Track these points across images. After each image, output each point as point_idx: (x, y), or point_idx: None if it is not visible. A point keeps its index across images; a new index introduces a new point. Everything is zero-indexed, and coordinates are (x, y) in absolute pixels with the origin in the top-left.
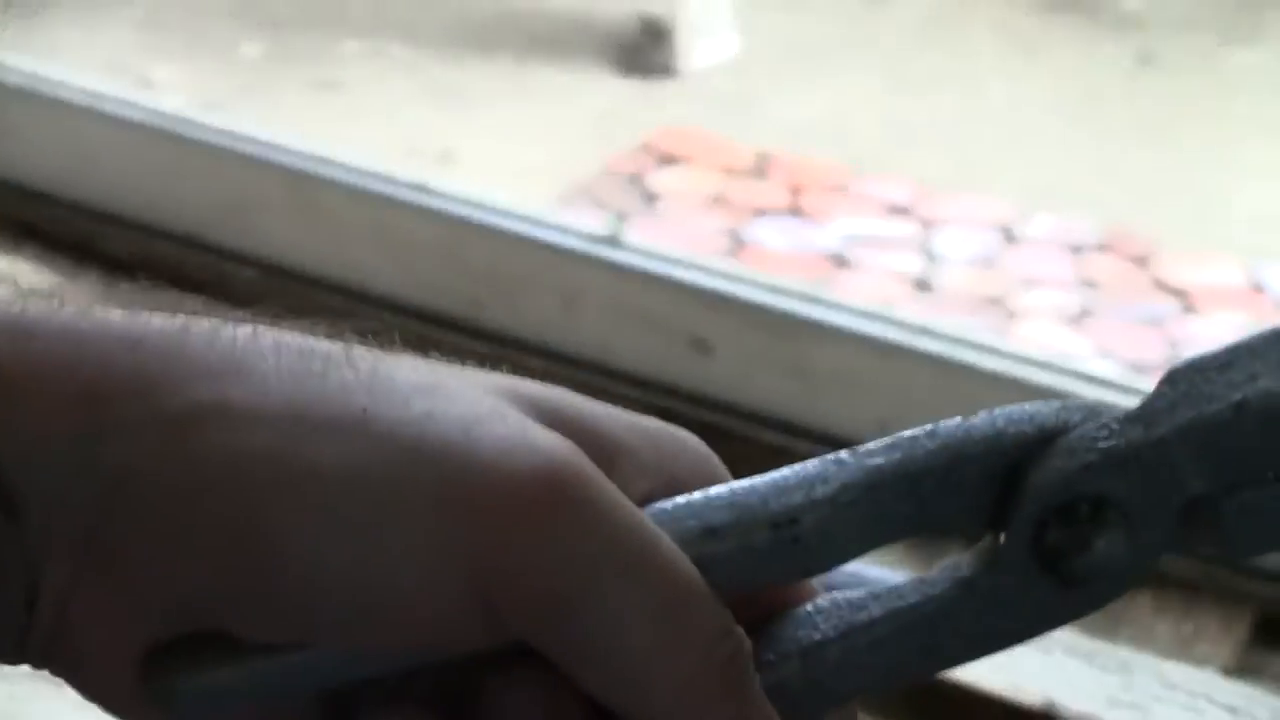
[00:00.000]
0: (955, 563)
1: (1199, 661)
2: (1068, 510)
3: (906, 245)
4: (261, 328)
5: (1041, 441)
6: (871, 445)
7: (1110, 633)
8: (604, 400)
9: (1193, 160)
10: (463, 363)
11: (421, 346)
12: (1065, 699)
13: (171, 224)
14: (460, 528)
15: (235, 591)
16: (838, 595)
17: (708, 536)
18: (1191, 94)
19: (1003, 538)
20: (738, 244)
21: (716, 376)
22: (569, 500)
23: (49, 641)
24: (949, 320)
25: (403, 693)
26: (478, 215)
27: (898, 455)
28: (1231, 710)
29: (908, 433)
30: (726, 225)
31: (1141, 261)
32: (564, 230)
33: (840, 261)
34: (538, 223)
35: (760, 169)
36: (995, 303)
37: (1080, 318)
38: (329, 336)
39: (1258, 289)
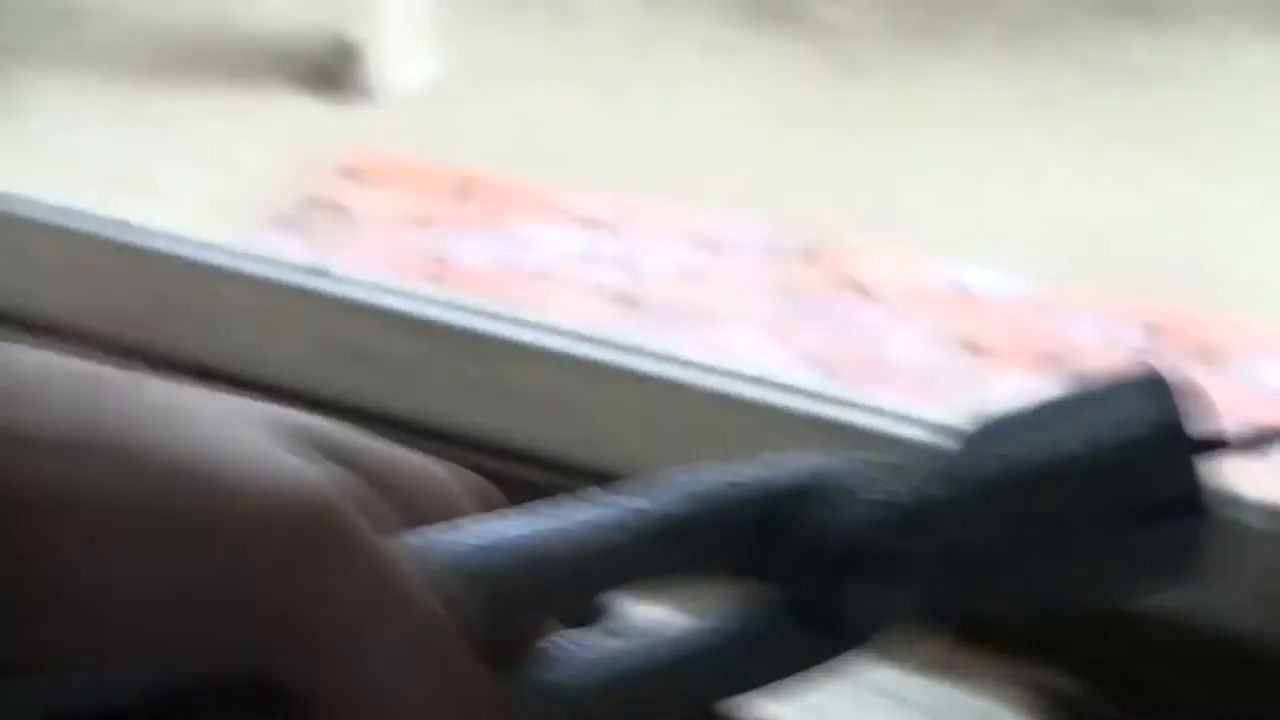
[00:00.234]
0: (718, 609)
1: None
2: (833, 561)
3: (611, 260)
4: (35, 350)
5: (810, 492)
6: (638, 489)
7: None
8: None
9: (897, 167)
10: None
11: None
12: None
13: None
14: (213, 559)
15: None
16: (593, 637)
17: (468, 577)
18: (896, 103)
19: (767, 586)
20: (440, 265)
21: (425, 402)
22: (322, 535)
23: None
24: (652, 335)
25: None
26: (168, 246)
27: (663, 503)
28: None
29: (674, 478)
30: (428, 246)
31: (845, 269)
32: (262, 259)
33: (545, 278)
34: (234, 253)
35: (462, 189)
36: (699, 315)
37: (784, 327)
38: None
39: (962, 291)
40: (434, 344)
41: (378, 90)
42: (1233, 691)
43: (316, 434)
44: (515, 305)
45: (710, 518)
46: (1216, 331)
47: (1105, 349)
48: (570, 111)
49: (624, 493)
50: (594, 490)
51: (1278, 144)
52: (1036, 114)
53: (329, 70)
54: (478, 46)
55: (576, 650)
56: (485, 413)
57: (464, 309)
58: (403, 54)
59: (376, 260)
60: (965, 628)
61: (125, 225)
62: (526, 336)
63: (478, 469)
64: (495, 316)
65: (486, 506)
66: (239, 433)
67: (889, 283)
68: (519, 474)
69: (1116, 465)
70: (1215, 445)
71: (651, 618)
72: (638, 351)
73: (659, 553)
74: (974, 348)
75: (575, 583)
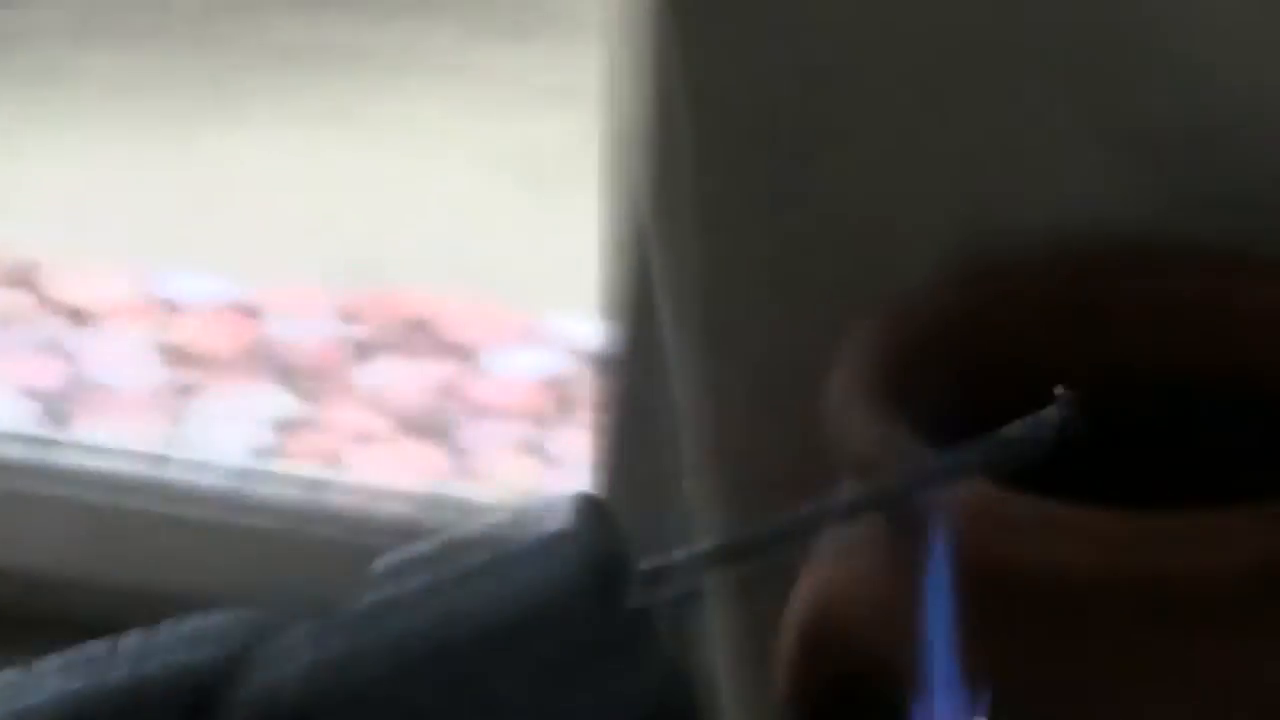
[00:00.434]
0: None
1: None
2: None
3: None
4: None
5: (231, 659)
6: (49, 664)
7: None
8: None
9: (66, 171)
10: None
11: None
12: None
13: None
14: None
15: None
16: None
17: None
18: (42, 100)
19: None
20: None
21: None
22: None
23: None
24: None
25: None
26: None
27: (82, 680)
28: None
29: (90, 654)
30: None
31: (31, 285)
32: None
33: None
34: None
35: None
36: None
37: None
38: None
39: (167, 302)
40: None
41: None
42: None
43: None
44: None
45: (137, 694)
46: (450, 323)
47: (324, 346)
48: None
49: (64, 669)
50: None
51: (472, 126)
52: (229, 109)
53: None
54: None
55: None
56: None
57: None
58: None
59: None
60: None
61: None
62: None
63: None
64: None
65: None
66: None
67: (81, 295)
68: None
69: (552, 619)
70: (653, 578)
71: None
72: None
73: None
74: (186, 359)
75: None
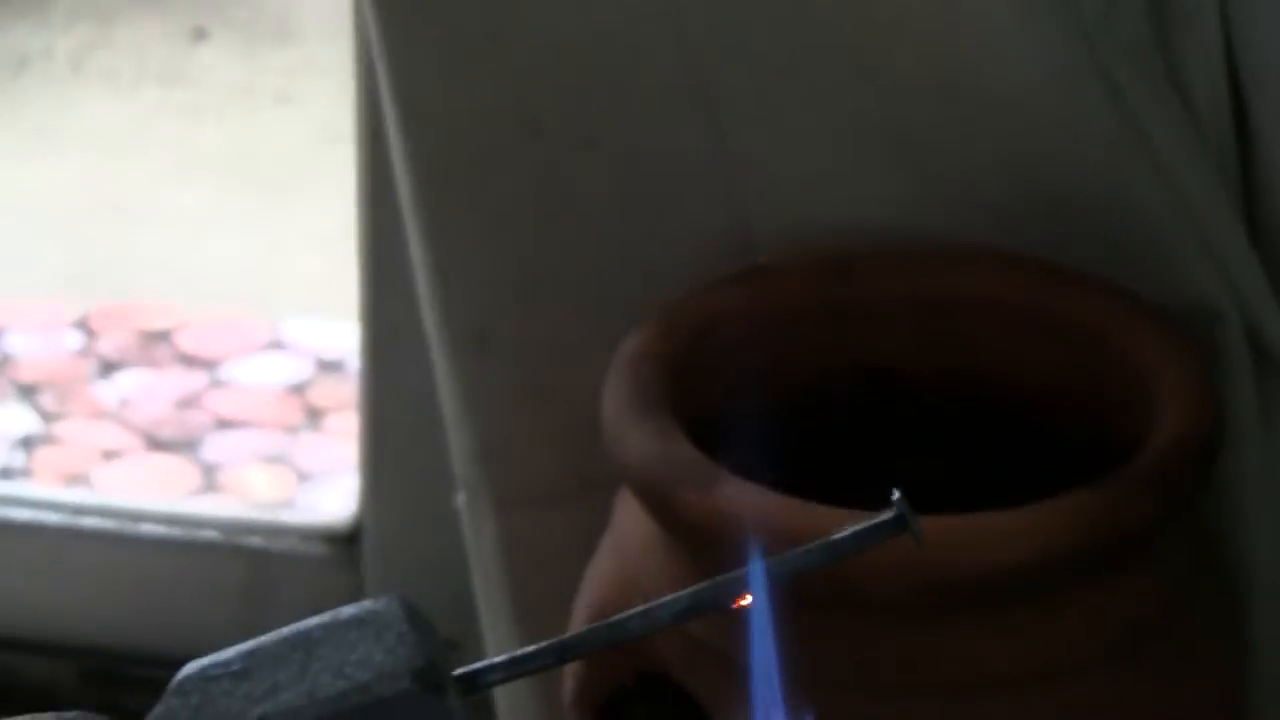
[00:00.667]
0: None
1: None
2: None
3: None
4: None
5: None
6: None
7: None
8: None
9: None
10: None
11: None
12: None
13: None
14: None
15: None
16: None
17: None
18: None
19: None
20: None
21: None
22: None
23: None
24: None
25: None
26: None
27: None
28: None
29: None
30: None
31: None
32: None
33: None
34: None
35: None
36: None
37: None
38: None
39: None
40: None
41: None
42: None
43: None
44: None
45: None
46: (189, 334)
47: (62, 360)
48: None
49: None
50: None
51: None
52: None
53: None
54: None
55: None
56: None
57: None
58: None
59: None
60: None
61: None
62: None
63: None
64: None
65: None
66: None
67: None
68: None
69: None
70: (473, 681)
71: None
72: None
73: None
74: None
75: None
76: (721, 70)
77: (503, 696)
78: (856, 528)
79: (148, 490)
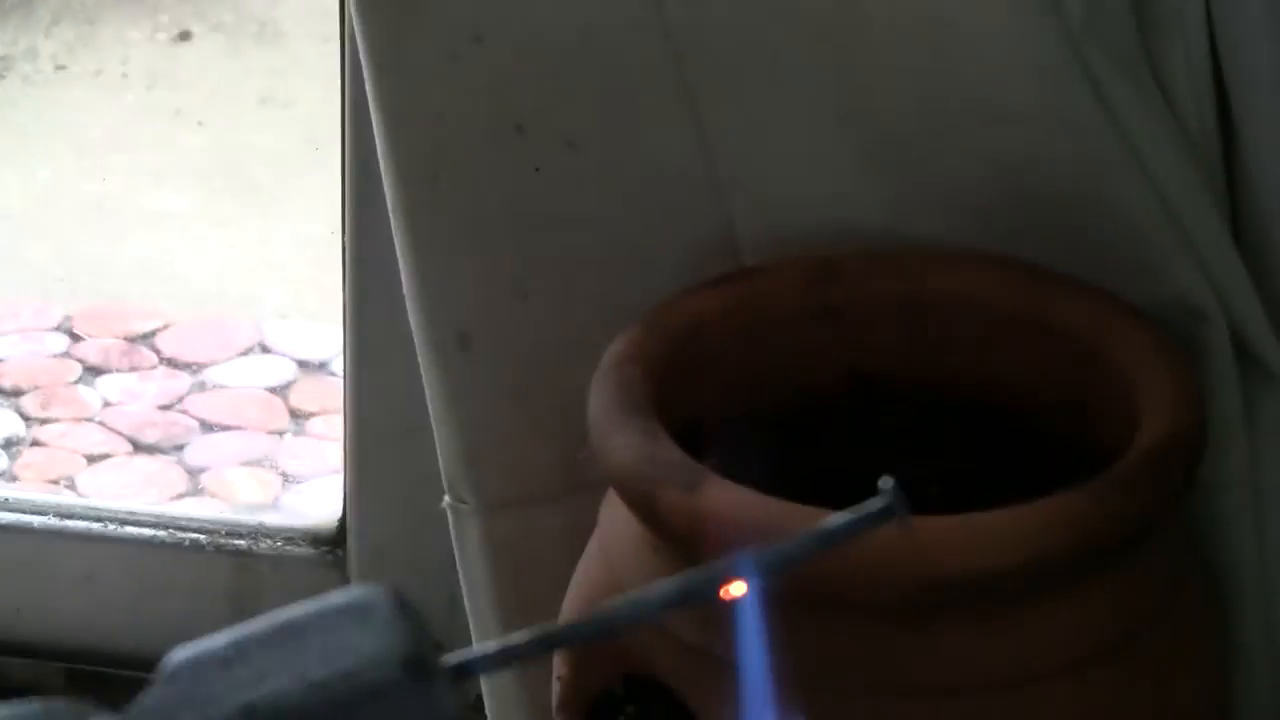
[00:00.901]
0: None
1: None
2: None
3: None
4: None
5: None
6: None
7: None
8: None
9: None
10: None
11: None
12: None
13: None
14: None
15: None
16: None
17: None
18: None
19: None
20: None
21: None
22: None
23: None
24: None
25: None
26: None
27: None
28: None
29: None
30: None
31: None
32: None
33: None
34: None
35: None
36: None
37: None
38: None
39: None
40: None
41: None
42: None
43: None
44: None
45: None
46: (172, 337)
47: (46, 363)
48: None
49: None
50: None
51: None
52: None
53: None
54: None
55: None
56: None
57: None
58: None
59: None
60: None
61: None
62: None
63: None
64: None
65: None
66: None
67: None
68: None
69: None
70: (463, 670)
71: None
72: None
73: None
74: None
75: None
76: (705, 71)
77: (491, 700)
78: (847, 516)
79: (132, 493)
